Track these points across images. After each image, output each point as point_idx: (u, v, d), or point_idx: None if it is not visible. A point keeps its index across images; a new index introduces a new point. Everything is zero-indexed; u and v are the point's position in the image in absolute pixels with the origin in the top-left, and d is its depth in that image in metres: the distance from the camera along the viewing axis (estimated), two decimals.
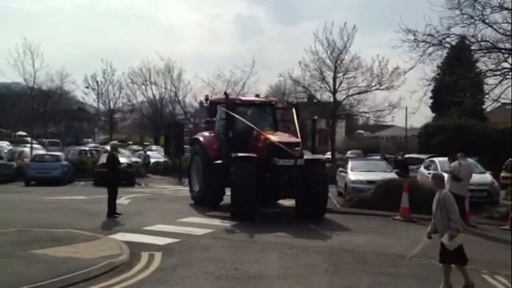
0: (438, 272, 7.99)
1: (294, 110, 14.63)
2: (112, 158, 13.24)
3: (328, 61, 32.57)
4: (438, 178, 7.24)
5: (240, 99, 15.80)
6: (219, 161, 13.44)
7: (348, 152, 47.40)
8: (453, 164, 12.67)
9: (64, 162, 24.25)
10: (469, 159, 13.54)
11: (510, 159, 24.18)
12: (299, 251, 9.14)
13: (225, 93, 15.50)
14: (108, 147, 38.46)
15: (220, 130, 14.49)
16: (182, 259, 8.29)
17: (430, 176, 16.14)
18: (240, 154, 12.44)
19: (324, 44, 32.34)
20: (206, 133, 15.46)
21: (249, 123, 13.52)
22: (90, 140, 58.79)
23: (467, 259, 6.86)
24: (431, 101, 42.33)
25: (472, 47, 16.57)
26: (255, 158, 12.43)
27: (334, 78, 32.67)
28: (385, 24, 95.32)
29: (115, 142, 16.45)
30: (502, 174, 23.30)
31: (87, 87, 49.87)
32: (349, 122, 66.27)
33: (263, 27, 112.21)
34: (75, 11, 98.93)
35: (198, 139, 15.32)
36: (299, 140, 13.15)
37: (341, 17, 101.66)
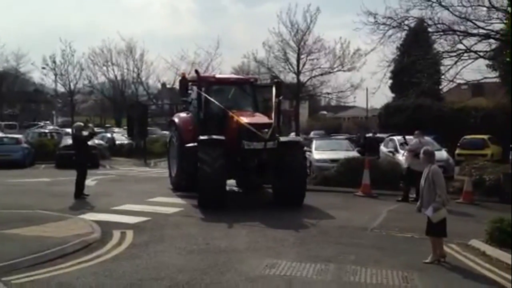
0: (396, 241, 8.65)
1: (274, 88, 13.24)
2: (78, 138, 13.20)
3: (291, 42, 32.95)
4: (428, 154, 7.67)
5: (215, 77, 14.29)
6: (191, 145, 12.10)
7: (312, 132, 48.17)
8: (413, 142, 13.32)
9: (25, 145, 23.67)
10: (426, 137, 14.24)
11: (465, 137, 25.46)
12: (267, 227, 9.50)
13: (196, 71, 14.00)
14: (68, 130, 37.77)
15: (193, 111, 13.54)
16: (153, 236, 8.52)
17: (404, 151, 16.91)
18: (206, 137, 11.46)
19: (287, 25, 32.64)
20: (182, 114, 14.21)
21: (218, 103, 12.36)
22: (48, 122, 57.16)
23: (446, 234, 7.33)
24: (391, 81, 43.61)
25: (430, 29, 17.23)
26: (223, 141, 11.34)
27: (298, 60, 33.11)
28: (348, 5, 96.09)
29: (79, 123, 16.25)
30: (457, 151, 24.50)
31: (44, 68, 48.19)
32: (312, 103, 67.17)
33: (225, 7, 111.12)
34: None
35: (173, 121, 14.26)
36: (270, 121, 11.92)
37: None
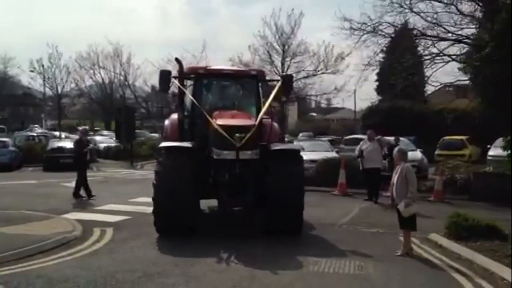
0: (362, 236, 9.23)
1: (281, 84, 10.37)
2: (81, 142, 13.80)
3: (276, 45, 33.53)
4: (402, 153, 8.19)
5: (205, 68, 10.94)
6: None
7: (300, 134, 48.80)
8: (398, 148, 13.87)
9: (12, 148, 24.01)
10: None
11: (443, 138, 26.14)
12: (242, 221, 10.03)
13: (177, 60, 10.66)
14: (56, 133, 38.03)
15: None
16: (132, 233, 9.01)
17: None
18: (166, 144, 9.21)
19: (272, 29, 33.22)
20: (175, 116, 10.95)
21: (194, 100, 9.73)
22: (36, 126, 57.32)
23: (416, 228, 7.88)
24: (377, 84, 44.45)
25: (405, 35, 17.88)
26: (189, 149, 8.86)
27: (283, 62, 33.69)
28: (333, 8, 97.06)
29: (85, 127, 17.08)
30: (437, 152, 25.17)
31: (32, 71, 48.39)
32: (302, 105, 67.77)
33: (217, 8, 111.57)
34: None
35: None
36: (249, 122, 9.05)
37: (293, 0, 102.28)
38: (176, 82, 10.35)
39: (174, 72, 10.47)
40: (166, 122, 11.54)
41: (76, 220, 9.88)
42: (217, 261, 7.13)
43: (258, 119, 9.34)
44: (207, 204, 10.60)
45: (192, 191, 8.49)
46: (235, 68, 13.22)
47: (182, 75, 10.36)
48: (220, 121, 8.96)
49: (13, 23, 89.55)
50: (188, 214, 8.56)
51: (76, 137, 14.36)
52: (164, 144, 9.33)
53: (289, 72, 34.18)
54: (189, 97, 10.04)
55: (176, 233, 8.56)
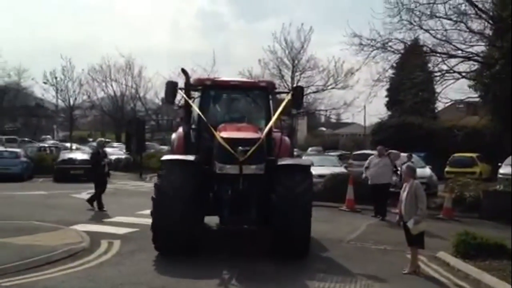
0: (368, 253, 9.16)
1: (289, 95, 10.02)
2: (98, 154, 13.88)
3: (286, 60, 33.71)
4: (411, 170, 8.17)
5: (212, 80, 10.71)
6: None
7: (309, 148, 48.76)
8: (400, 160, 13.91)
9: (24, 159, 24.30)
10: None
11: (454, 155, 25.96)
12: (246, 237, 10.01)
13: (183, 70, 10.45)
14: (67, 144, 38.42)
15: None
16: (139, 245, 9.03)
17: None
18: (169, 157, 8.93)
19: (282, 44, 33.45)
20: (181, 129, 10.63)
21: (199, 112, 9.32)
22: (48, 137, 57.90)
23: (423, 245, 7.83)
24: (387, 99, 44.44)
25: (415, 52, 17.93)
26: (192, 162, 8.39)
27: (292, 77, 33.81)
28: (343, 24, 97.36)
29: (102, 139, 17.22)
30: (447, 169, 25.01)
31: (45, 83, 49.11)
32: (311, 120, 67.79)
33: (227, 23, 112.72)
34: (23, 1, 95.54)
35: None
36: (255, 135, 8.57)
37: (305, 14, 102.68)
38: (182, 93, 9.96)
39: (182, 84, 10.48)
40: (174, 135, 11.16)
41: (84, 231, 9.95)
42: (221, 277, 7.13)
43: (265, 132, 8.91)
44: (214, 220, 10.60)
45: (193, 207, 8.01)
46: (243, 79, 12.86)
47: (189, 87, 10.04)
48: (224, 134, 8.55)
49: (27, 35, 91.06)
50: (188, 232, 7.99)
51: (86, 148, 14.58)
52: (165, 157, 9.06)
53: None
54: (195, 109, 9.65)
55: (176, 252, 8.06)
